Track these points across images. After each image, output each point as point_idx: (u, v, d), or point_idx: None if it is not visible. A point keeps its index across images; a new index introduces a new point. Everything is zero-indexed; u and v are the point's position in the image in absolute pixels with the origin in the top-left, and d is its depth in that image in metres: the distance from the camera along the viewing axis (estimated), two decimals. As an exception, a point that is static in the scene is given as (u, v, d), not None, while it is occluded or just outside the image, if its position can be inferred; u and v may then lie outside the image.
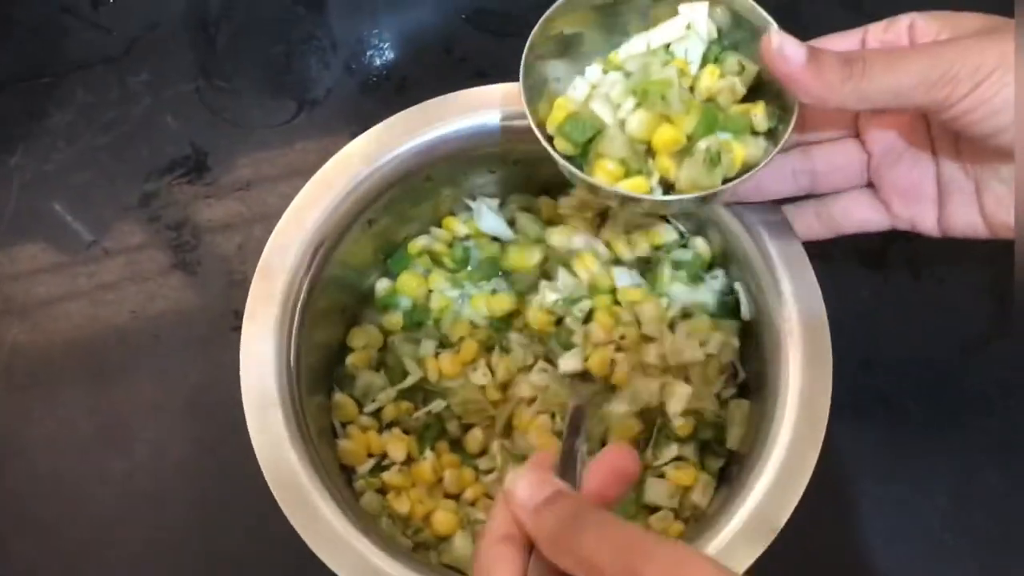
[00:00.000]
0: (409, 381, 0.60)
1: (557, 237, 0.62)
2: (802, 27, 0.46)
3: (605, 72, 0.51)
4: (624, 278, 0.61)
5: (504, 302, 0.62)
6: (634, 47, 0.51)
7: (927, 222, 0.50)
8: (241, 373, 0.52)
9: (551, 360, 0.60)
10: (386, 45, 0.76)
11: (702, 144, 0.47)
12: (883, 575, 0.59)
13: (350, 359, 0.61)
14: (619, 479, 0.40)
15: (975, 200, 0.48)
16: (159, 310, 0.69)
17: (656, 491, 0.56)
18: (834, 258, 0.66)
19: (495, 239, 0.64)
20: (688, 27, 0.50)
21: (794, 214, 0.54)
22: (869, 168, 0.52)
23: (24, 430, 0.66)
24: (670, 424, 0.57)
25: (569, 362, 0.59)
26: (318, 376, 0.58)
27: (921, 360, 0.64)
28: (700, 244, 0.60)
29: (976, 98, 0.42)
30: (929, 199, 0.50)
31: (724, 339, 0.58)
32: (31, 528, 0.63)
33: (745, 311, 0.57)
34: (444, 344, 0.62)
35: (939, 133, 0.49)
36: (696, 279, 0.60)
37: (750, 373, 0.58)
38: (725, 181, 0.47)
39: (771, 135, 0.49)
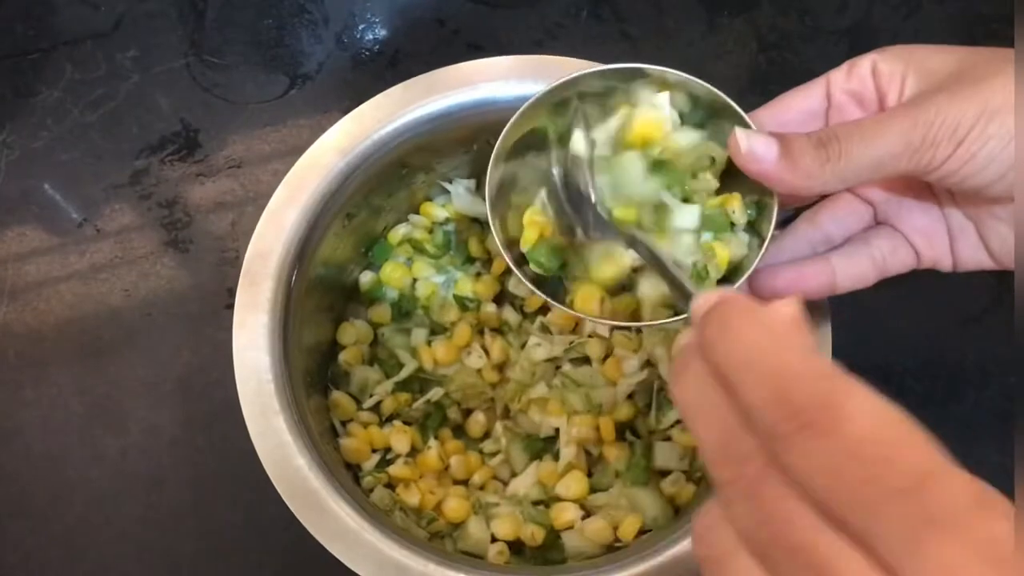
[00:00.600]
0: (405, 373, 0.60)
1: None
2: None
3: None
4: None
5: (490, 285, 0.61)
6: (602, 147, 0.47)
7: (945, 260, 0.48)
8: (238, 384, 0.51)
9: (548, 328, 0.60)
10: (378, 18, 0.75)
11: (687, 261, 0.45)
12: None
13: (342, 356, 0.61)
14: None
15: (979, 239, 0.47)
16: (151, 289, 0.68)
17: (665, 455, 0.56)
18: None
19: (475, 220, 0.63)
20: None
21: (845, 263, 0.48)
22: (876, 215, 0.49)
23: (16, 411, 0.65)
24: (667, 387, 0.57)
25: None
26: (313, 377, 0.58)
27: (919, 334, 0.64)
28: None
29: (959, 158, 0.40)
30: (944, 237, 0.47)
31: None
32: (25, 509, 0.63)
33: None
34: (435, 331, 0.62)
35: (935, 186, 0.47)
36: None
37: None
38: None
39: (751, 227, 0.46)
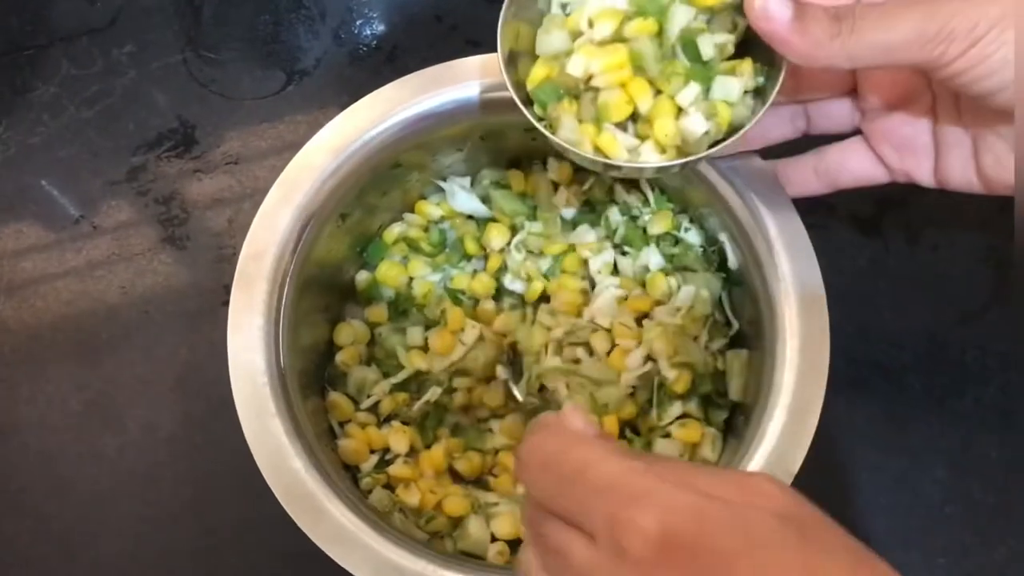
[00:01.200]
0: (404, 374, 0.60)
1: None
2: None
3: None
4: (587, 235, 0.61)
5: (487, 283, 0.61)
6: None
7: (922, 173, 0.49)
8: (233, 387, 0.51)
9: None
10: (375, 14, 0.75)
11: (692, 109, 0.46)
12: (881, 546, 0.59)
13: (339, 357, 0.60)
14: None
15: (972, 157, 0.47)
16: (148, 286, 0.68)
17: (665, 451, 0.56)
18: (829, 227, 0.65)
19: (470, 217, 0.63)
20: None
21: (790, 168, 0.52)
22: (862, 120, 0.50)
23: (13, 409, 0.65)
24: (667, 382, 0.56)
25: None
26: (310, 379, 0.57)
27: (919, 330, 0.64)
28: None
29: (973, 56, 0.40)
30: (923, 151, 0.48)
31: (699, 292, 0.58)
32: (21, 507, 0.63)
33: (732, 261, 0.57)
34: (431, 328, 0.61)
35: (940, 89, 0.47)
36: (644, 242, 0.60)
37: (744, 323, 0.58)
38: (712, 144, 0.46)
39: (758, 93, 0.47)
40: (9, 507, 0.63)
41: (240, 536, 0.61)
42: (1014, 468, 0.60)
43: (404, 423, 0.59)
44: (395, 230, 0.62)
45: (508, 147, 0.61)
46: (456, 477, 0.59)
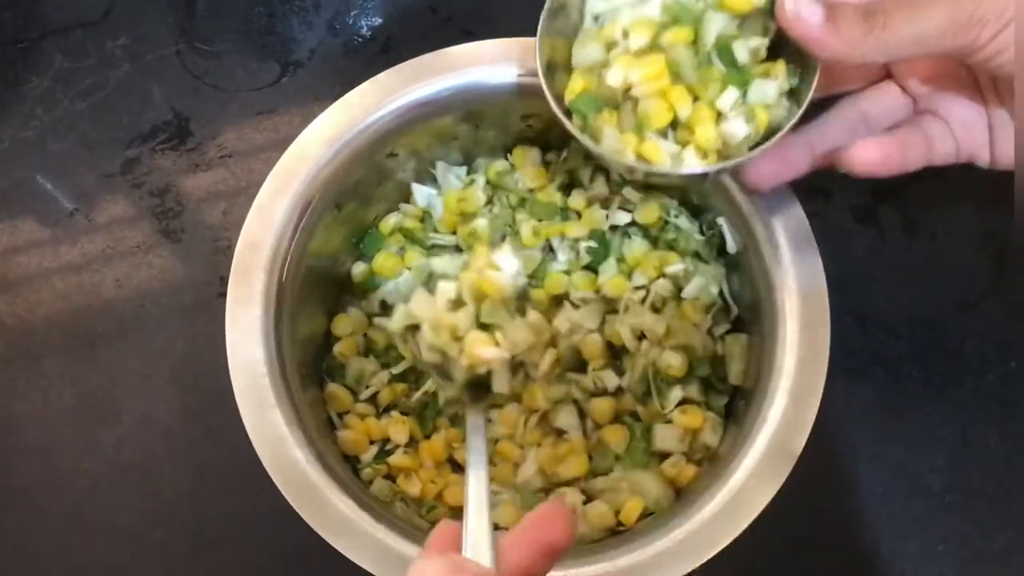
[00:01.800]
0: (403, 365, 0.59)
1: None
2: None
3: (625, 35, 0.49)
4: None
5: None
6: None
7: (983, 154, 0.48)
8: (232, 379, 0.51)
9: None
10: (370, 4, 0.75)
11: (732, 114, 0.46)
12: (881, 535, 0.59)
13: (337, 348, 0.60)
14: (546, 554, 0.34)
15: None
16: (144, 279, 0.68)
17: (665, 437, 0.56)
18: (827, 215, 0.65)
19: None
20: None
21: (878, 143, 0.48)
22: (917, 107, 0.49)
23: (9, 403, 0.65)
24: (664, 367, 0.56)
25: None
26: (308, 370, 0.57)
27: (917, 319, 0.64)
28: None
29: (1005, 39, 0.41)
30: (980, 131, 0.48)
31: (704, 281, 0.58)
32: (17, 501, 0.63)
33: (731, 245, 0.57)
34: None
35: (978, 72, 0.47)
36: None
37: (744, 308, 0.58)
38: (752, 146, 0.47)
39: (793, 94, 0.47)
40: (6, 501, 0.63)
41: (239, 529, 0.61)
42: (1013, 456, 0.60)
43: (403, 413, 0.59)
44: (391, 220, 0.62)
45: (503, 135, 0.60)
46: (456, 467, 0.58)
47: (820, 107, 0.49)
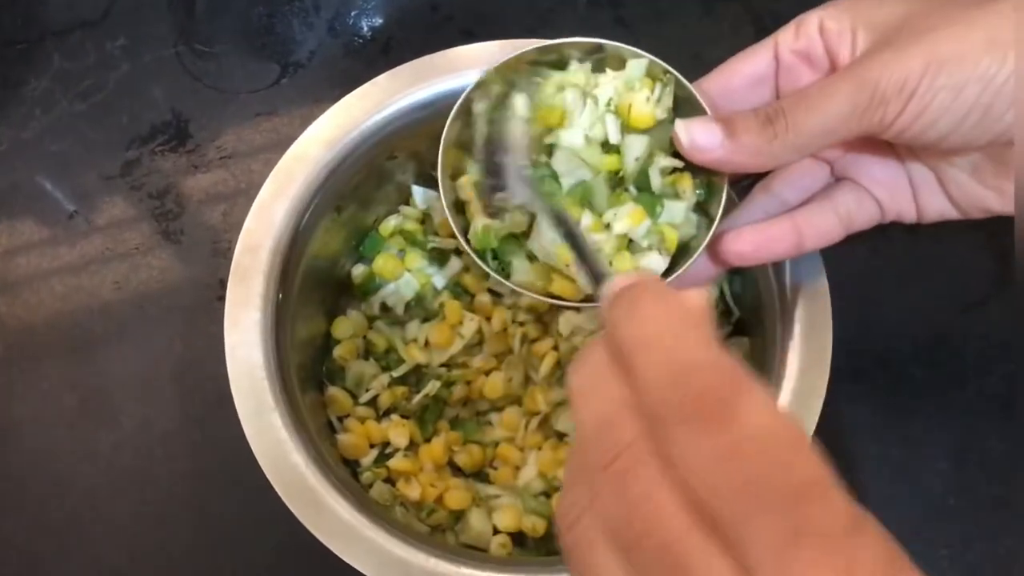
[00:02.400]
0: (403, 368, 0.59)
1: None
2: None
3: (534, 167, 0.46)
4: None
5: (480, 277, 0.61)
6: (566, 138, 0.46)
7: (908, 212, 0.47)
8: (231, 382, 0.50)
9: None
10: (370, 5, 0.75)
11: (643, 243, 0.44)
12: (883, 538, 0.59)
13: (337, 351, 0.60)
14: None
15: (940, 189, 0.45)
16: (143, 281, 0.67)
17: None
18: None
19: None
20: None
21: (815, 217, 0.47)
22: (834, 171, 0.47)
23: (8, 406, 0.65)
24: None
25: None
26: (307, 373, 0.57)
27: (920, 320, 0.63)
28: None
29: (911, 113, 0.39)
30: (906, 189, 0.46)
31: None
32: (16, 503, 0.62)
33: None
34: (429, 320, 0.61)
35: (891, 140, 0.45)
36: None
37: (745, 311, 0.58)
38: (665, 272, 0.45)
39: (699, 207, 0.45)
40: (4, 504, 0.62)
41: (236, 533, 0.61)
42: (1017, 459, 0.60)
43: (403, 417, 0.59)
44: (391, 223, 0.62)
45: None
46: (456, 470, 0.58)
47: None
